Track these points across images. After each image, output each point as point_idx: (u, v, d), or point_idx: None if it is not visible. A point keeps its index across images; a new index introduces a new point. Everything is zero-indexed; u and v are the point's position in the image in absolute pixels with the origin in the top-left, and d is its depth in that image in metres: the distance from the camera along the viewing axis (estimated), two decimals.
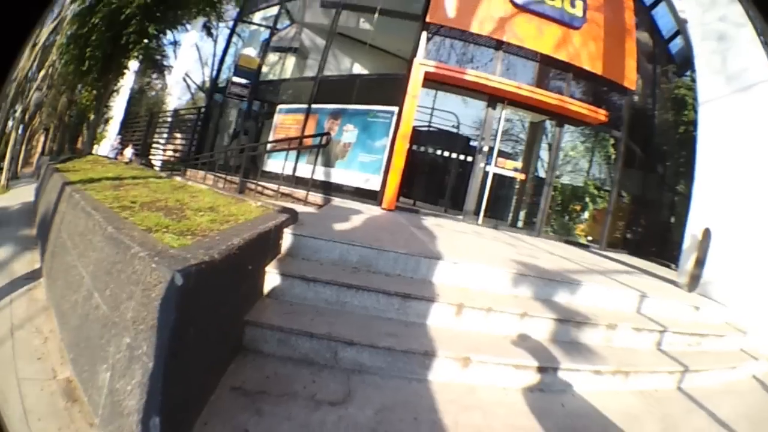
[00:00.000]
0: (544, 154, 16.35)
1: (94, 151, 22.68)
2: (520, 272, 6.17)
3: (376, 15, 15.93)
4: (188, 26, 26.10)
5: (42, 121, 38.10)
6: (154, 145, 26.72)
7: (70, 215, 6.18)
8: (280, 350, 4.24)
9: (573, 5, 14.48)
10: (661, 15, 19.66)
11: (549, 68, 15.09)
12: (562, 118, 15.00)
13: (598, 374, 4.93)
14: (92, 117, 22.34)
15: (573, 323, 5.52)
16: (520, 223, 16.14)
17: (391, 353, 4.29)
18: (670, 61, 20.28)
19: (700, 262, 9.21)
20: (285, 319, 4.42)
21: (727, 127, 9.69)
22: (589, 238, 14.25)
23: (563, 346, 5.21)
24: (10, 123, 30.04)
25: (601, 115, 14.53)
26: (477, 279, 5.96)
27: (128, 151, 26.08)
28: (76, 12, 17.69)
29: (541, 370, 4.64)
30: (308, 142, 14.15)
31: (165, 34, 18.84)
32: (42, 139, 44.51)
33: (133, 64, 25.80)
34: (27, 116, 29.68)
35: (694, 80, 16.02)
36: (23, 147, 33.55)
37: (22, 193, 18.26)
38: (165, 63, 37.63)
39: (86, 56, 16.67)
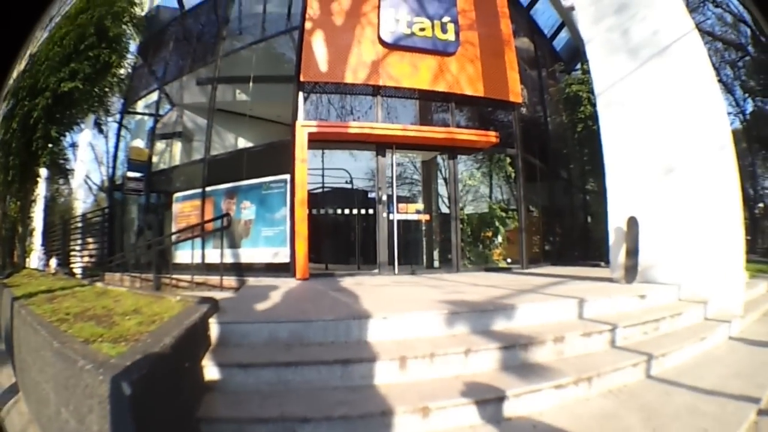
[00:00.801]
0: (442, 189, 16.51)
1: (27, 265, 22.13)
2: (451, 311, 6.08)
3: (251, 83, 16.19)
4: (82, 125, 25.70)
5: None
6: (72, 253, 26.06)
7: (23, 332, 6.19)
8: None
9: (444, 30, 14.54)
10: (542, 12, 20.05)
11: (430, 103, 15.35)
12: (453, 150, 15.01)
13: (561, 387, 4.84)
14: (20, 230, 21.49)
15: (519, 346, 5.43)
16: (436, 263, 15.98)
17: (349, 421, 4.11)
18: (556, 59, 20.87)
19: (631, 252, 9.28)
20: (235, 409, 4.27)
21: (631, 107, 9.79)
22: (508, 260, 14.24)
23: (517, 371, 5.10)
24: None
25: (492, 137, 14.50)
26: (410, 328, 5.86)
27: (53, 262, 25.59)
28: (4, 115, 17.36)
29: (501, 399, 4.53)
30: (210, 227, 13.79)
31: (65, 136, 18.60)
32: None
33: (43, 171, 25.49)
34: None
35: (586, 72, 16.30)
36: None
37: None
38: (68, 167, 37.11)
39: (9, 165, 16.56)
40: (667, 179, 8.95)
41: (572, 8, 12.26)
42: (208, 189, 15.41)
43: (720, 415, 4.46)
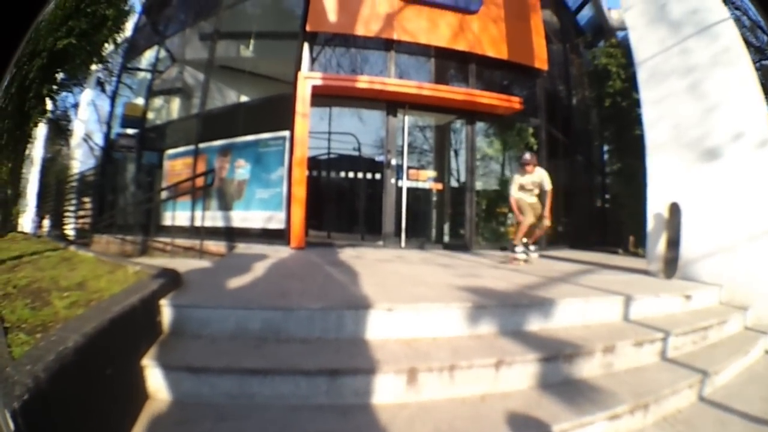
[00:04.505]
0: (458, 157, 15.13)
1: (20, 229, 21.50)
2: (475, 304, 4.79)
3: (252, 40, 15.91)
4: (84, 84, 25.13)
5: None
6: (65, 215, 25.47)
7: None
8: None
9: None
10: None
11: (449, 62, 14.15)
12: (472, 114, 13.85)
13: (616, 418, 3.76)
14: (9, 192, 20.19)
15: (563, 357, 4.29)
16: (446, 238, 14.57)
17: None
18: (579, 34, 19.95)
19: (672, 243, 8.30)
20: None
21: (674, 83, 8.92)
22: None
23: (561, 393, 3.95)
24: None
25: (515, 102, 13.37)
26: (423, 324, 4.58)
27: (45, 224, 25.94)
28: (5, 85, 16.62)
29: None
30: (193, 184, 12.99)
31: (57, 94, 17.70)
32: None
33: (42, 132, 25.06)
34: None
35: (615, 45, 15.30)
36: None
37: None
38: (68, 128, 36.89)
39: (4, 129, 15.90)
40: (711, 168, 8.18)
41: None
42: (201, 146, 14.52)
43: None
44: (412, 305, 4.62)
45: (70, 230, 24.45)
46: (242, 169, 13.10)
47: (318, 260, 8.88)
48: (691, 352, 5.34)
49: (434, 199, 14.74)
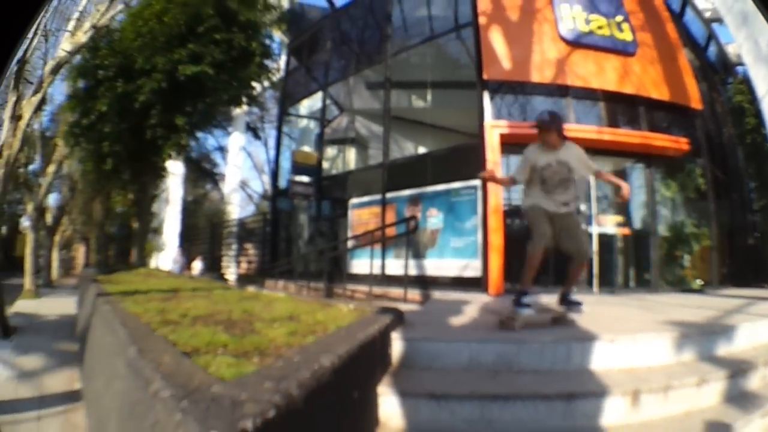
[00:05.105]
0: (637, 201, 15.03)
1: (152, 264, 22.17)
2: (680, 333, 5.32)
3: (427, 89, 15.91)
4: (229, 128, 25.68)
5: (77, 229, 38.78)
6: (224, 258, 26.18)
7: (99, 332, 5.47)
8: None
9: (620, 29, 14.07)
10: (692, 22, 18.95)
11: (618, 105, 14.39)
12: (647, 157, 14.18)
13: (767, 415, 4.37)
14: (136, 226, 21.50)
15: (740, 373, 4.88)
16: (631, 283, 14.51)
17: None
18: (714, 71, 19.68)
19: None
20: None
21: None
22: (698, 280, 12.89)
23: (737, 401, 4.56)
24: (26, 222, 29.64)
25: (683, 143, 13.85)
26: (640, 353, 5.03)
27: (197, 265, 25.80)
28: (71, 93, 17.12)
29: None
30: (392, 232, 13.73)
31: (195, 127, 17.62)
32: (82, 249, 45.45)
33: (174, 166, 25.64)
34: (51, 218, 29.89)
35: (742, 81, 15.24)
36: (52, 254, 34.00)
37: (58, 304, 17.94)
38: (214, 170, 37.91)
39: (104, 152, 15.69)
40: None
41: (715, 20, 11.67)
42: (388, 195, 15.23)
43: None
44: (630, 336, 5.16)
45: (229, 274, 24.58)
46: (435, 218, 13.79)
47: None
48: None
49: (619, 244, 14.68)
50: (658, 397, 4.25)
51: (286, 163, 21.91)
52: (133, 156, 16.05)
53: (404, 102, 17.66)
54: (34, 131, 19.70)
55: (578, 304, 6.72)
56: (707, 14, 14.58)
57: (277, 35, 22.27)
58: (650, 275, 13.88)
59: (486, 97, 13.03)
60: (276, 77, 19.68)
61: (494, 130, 12.52)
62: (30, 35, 12.00)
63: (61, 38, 14.30)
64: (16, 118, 12.29)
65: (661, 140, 13.65)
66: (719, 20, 12.57)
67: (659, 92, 13.84)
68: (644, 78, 13.83)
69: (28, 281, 21.83)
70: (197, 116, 16.73)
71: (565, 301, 6.85)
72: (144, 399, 2.40)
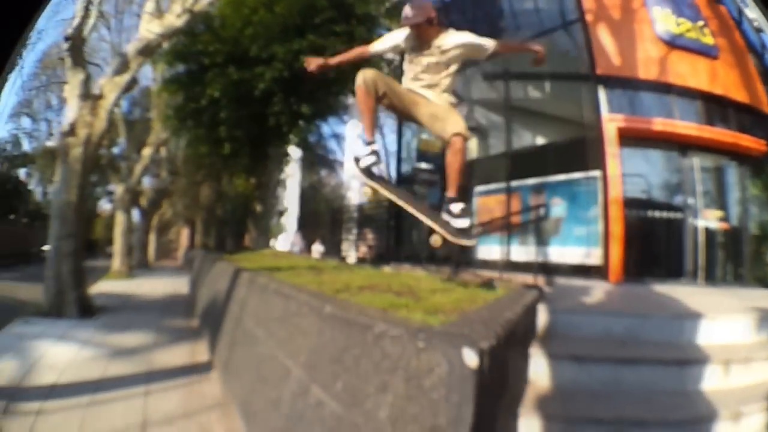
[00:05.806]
0: (732, 197, 15.50)
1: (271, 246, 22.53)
2: (759, 317, 5.91)
3: (544, 81, 16.55)
4: (344, 117, 26.13)
5: (178, 212, 40.18)
6: (344, 242, 26.91)
7: (256, 301, 6.05)
8: None
9: (703, 33, 14.68)
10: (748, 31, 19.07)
11: (710, 105, 14.73)
12: (736, 155, 14.75)
13: None
14: (258, 209, 21.69)
15: None
16: (728, 278, 14.76)
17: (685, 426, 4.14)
18: None
19: None
20: (563, 407, 4.19)
21: None
22: None
23: None
24: (106, 203, 30.04)
25: (762, 145, 14.36)
26: (733, 332, 5.72)
27: (317, 247, 26.53)
28: (170, 78, 18.25)
29: None
30: (515, 221, 14.51)
31: (318, 115, 18.55)
32: (186, 233, 46.24)
33: (294, 151, 26.76)
34: (147, 203, 31.21)
35: None
36: (149, 236, 35.87)
37: (158, 284, 19.67)
38: (331, 157, 38.44)
39: (221, 137, 16.26)
40: None
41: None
42: (512, 184, 15.86)
43: None
44: (728, 315, 6.05)
45: (349, 257, 24.92)
46: (559, 207, 14.48)
47: (642, 291, 9.88)
48: None
49: (719, 238, 15.01)
50: (741, 367, 4.90)
51: (404, 152, 22.47)
52: (254, 142, 17.07)
53: (520, 93, 17.97)
54: (115, 113, 19.95)
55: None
56: (755, 23, 14.83)
57: (392, 27, 22.45)
58: (744, 270, 14.39)
59: (601, 91, 13.49)
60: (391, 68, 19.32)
61: (612, 123, 13.00)
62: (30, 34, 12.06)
63: (126, 19, 14.32)
64: (91, 97, 12.43)
65: (747, 141, 14.15)
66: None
67: (741, 95, 14.45)
68: (727, 81, 14.39)
69: (117, 262, 23.76)
70: (322, 105, 17.60)
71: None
72: (360, 343, 2.96)
